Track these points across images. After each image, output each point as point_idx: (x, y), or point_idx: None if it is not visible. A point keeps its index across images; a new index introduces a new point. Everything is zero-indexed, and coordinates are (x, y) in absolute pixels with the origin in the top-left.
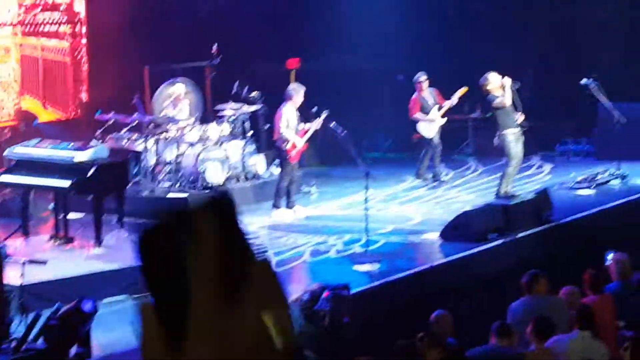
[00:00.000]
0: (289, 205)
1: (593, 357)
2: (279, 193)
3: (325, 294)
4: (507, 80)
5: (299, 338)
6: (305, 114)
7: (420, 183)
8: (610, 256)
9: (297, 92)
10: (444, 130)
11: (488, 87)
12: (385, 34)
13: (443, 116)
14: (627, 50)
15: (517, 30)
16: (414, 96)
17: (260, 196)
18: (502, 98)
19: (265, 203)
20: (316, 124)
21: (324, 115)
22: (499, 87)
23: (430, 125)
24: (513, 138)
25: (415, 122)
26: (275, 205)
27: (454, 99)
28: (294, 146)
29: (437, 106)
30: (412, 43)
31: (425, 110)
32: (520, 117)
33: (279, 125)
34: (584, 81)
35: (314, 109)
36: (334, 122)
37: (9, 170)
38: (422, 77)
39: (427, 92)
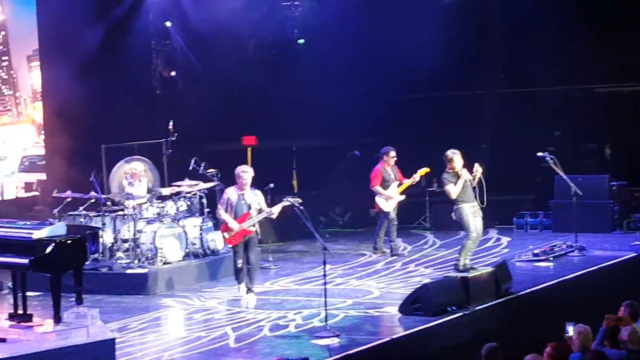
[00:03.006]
0: (246, 290)
1: None
2: (235, 272)
3: None
4: (466, 174)
5: None
6: (261, 190)
7: (378, 257)
8: (570, 328)
9: (242, 176)
10: (401, 205)
11: (451, 165)
12: (340, 111)
13: (402, 193)
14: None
15: (471, 109)
16: (377, 167)
17: (219, 272)
18: (454, 186)
19: (224, 279)
20: (271, 210)
21: (285, 202)
22: (456, 168)
23: (388, 200)
24: (470, 211)
25: (374, 193)
26: (239, 282)
27: (416, 177)
28: (225, 228)
29: (396, 182)
30: (368, 121)
31: (385, 183)
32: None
33: (219, 205)
34: (540, 154)
35: (271, 185)
36: (291, 198)
37: None
38: (391, 152)
39: (390, 168)
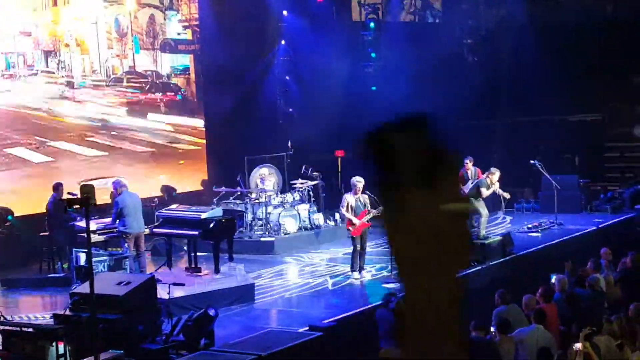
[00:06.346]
0: (359, 269)
1: (545, 343)
2: (351, 260)
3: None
4: (496, 186)
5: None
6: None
7: None
8: (553, 277)
9: (357, 185)
10: None
11: (491, 176)
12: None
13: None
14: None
15: (487, 131)
16: (460, 170)
17: (320, 240)
18: (487, 190)
19: (324, 244)
20: (377, 211)
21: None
22: (494, 181)
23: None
24: (476, 203)
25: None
26: (352, 269)
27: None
28: (349, 224)
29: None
30: None
31: (467, 181)
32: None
33: (340, 207)
34: (532, 162)
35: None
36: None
37: (159, 225)
38: (467, 160)
39: (470, 170)
